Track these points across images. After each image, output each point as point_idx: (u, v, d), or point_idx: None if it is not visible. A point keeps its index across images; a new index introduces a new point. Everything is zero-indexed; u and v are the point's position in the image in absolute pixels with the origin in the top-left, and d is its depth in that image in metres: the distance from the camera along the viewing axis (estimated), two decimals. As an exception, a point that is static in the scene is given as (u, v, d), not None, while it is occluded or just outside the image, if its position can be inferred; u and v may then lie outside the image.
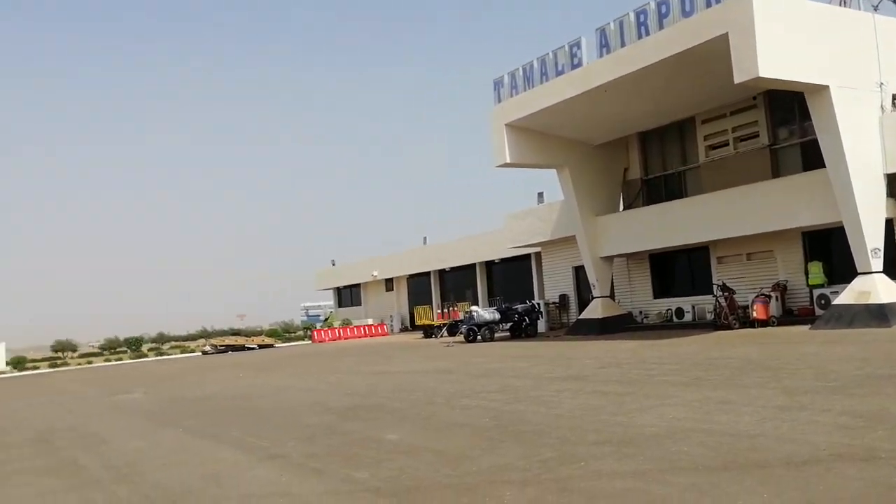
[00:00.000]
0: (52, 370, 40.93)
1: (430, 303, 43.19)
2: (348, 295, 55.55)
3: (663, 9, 18.71)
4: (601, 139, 26.00)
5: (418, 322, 40.55)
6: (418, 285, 46.13)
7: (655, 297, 26.65)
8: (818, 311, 19.62)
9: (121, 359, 45.60)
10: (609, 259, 26.17)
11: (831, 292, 19.38)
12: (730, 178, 22.20)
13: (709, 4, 17.53)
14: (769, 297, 20.75)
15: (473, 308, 29.73)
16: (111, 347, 52.01)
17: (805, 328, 18.16)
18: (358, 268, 51.49)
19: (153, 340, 55.91)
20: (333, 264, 56.43)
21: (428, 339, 33.73)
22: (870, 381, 9.35)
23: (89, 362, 44.73)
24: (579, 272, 29.46)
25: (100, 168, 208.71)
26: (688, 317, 24.35)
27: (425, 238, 46.58)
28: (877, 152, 17.70)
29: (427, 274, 44.44)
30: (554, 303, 31.61)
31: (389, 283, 49.24)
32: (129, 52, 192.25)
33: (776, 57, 16.32)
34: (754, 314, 20.19)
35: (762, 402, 8.52)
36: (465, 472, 6.57)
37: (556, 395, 10.81)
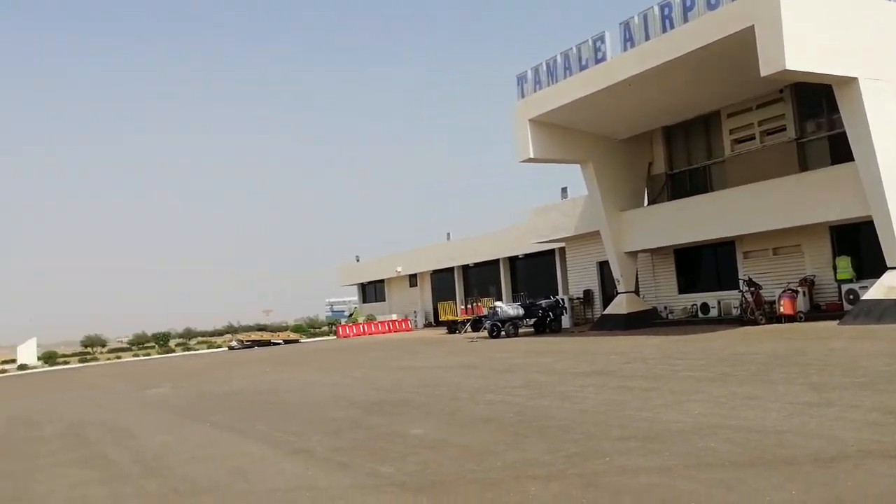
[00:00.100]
0: (81, 365, 41.52)
1: (453, 298, 43.21)
2: (372, 290, 55.77)
3: (688, 2, 18.53)
4: (625, 134, 25.85)
5: (442, 318, 40.59)
6: (442, 281, 46.19)
7: (680, 292, 26.46)
8: (846, 307, 19.37)
9: (149, 354, 46.15)
10: (633, 254, 26.04)
11: (860, 287, 19.13)
12: (756, 172, 21.97)
13: (734, -3, 17.38)
14: (796, 292, 20.53)
15: (497, 303, 29.71)
16: (139, 343, 52.70)
17: (833, 324, 17.93)
18: (382, 263, 51.66)
19: (180, 336, 56.51)
20: (357, 260, 56.68)
21: (452, 335, 33.77)
22: (900, 377, 9.23)
23: (118, 357, 45.38)
24: (604, 267, 29.34)
25: (115, 167, 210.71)
26: (713, 312, 24.16)
27: (448, 234, 46.69)
28: (907, 145, 17.43)
29: (451, 269, 44.48)
30: (578, 298, 31.51)
31: (413, 279, 49.35)
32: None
33: (803, 49, 16.11)
34: (781, 309, 19.99)
35: (789, 397, 8.45)
36: (490, 466, 6.59)
37: (581, 391, 10.79)
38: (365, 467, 7.15)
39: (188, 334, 57.68)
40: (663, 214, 24.76)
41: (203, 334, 59.77)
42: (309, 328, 53.00)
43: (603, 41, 21.19)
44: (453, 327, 35.95)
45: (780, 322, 19.86)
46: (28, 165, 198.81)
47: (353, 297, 61.87)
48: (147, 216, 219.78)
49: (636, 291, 26.51)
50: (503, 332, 27.37)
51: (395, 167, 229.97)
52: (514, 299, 33.63)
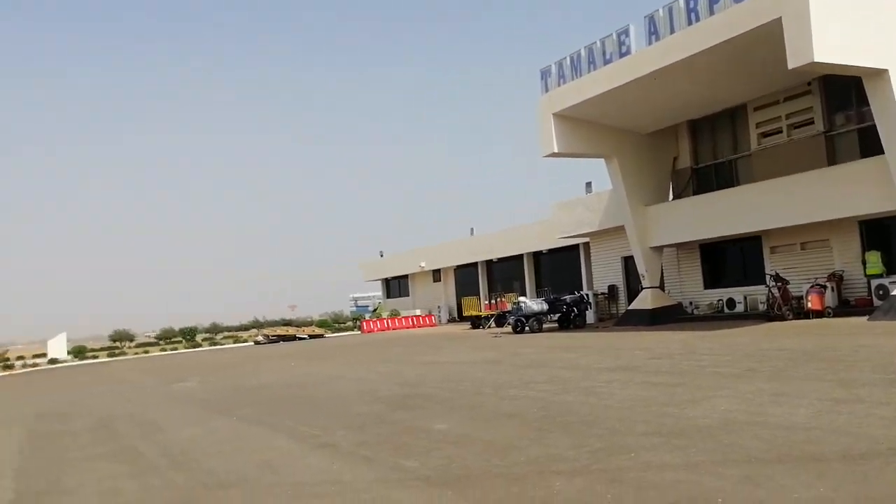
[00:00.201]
0: (110, 359, 42.10)
1: (477, 294, 43.20)
2: (396, 286, 55.92)
3: (714, -6, 18.37)
4: (650, 128, 25.68)
5: (466, 313, 40.61)
6: (466, 276, 46.19)
7: (706, 287, 26.26)
8: (876, 302, 19.11)
9: (176, 348, 46.62)
10: (659, 249, 25.87)
11: (890, 282, 18.87)
12: (783, 166, 21.73)
13: (761, -12, 17.16)
14: (824, 287, 20.29)
15: (521, 299, 29.68)
16: (167, 337, 53.17)
17: (862, 319, 17.71)
18: (405, 259, 51.76)
19: (207, 331, 56.95)
20: (381, 255, 56.85)
21: (475, 330, 33.79)
22: (931, 373, 9.11)
23: (146, 352, 45.90)
24: (628, 262, 29.18)
25: (138, 167, 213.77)
26: (739, 307, 23.95)
27: (472, 229, 46.69)
28: (939, 138, 17.14)
29: (474, 265, 44.47)
30: (603, 293, 31.38)
31: (437, 274, 49.40)
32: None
33: (832, 41, 15.88)
34: (809, 305, 19.77)
35: (818, 394, 8.36)
36: (514, 461, 6.60)
37: (605, 386, 10.76)
38: (389, 461, 7.19)
39: (214, 329, 58.12)
40: (689, 209, 24.56)
41: (229, 329, 60.19)
42: (333, 323, 53.21)
43: (627, 35, 21.05)
44: (477, 323, 35.96)
45: (808, 318, 19.65)
46: (60, 164, 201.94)
47: (377, 292, 62.10)
48: (174, 214, 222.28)
49: (661, 286, 26.35)
50: (527, 328, 27.34)
51: (427, 164, 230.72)
52: (539, 294, 33.55)
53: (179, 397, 16.36)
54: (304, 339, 44.64)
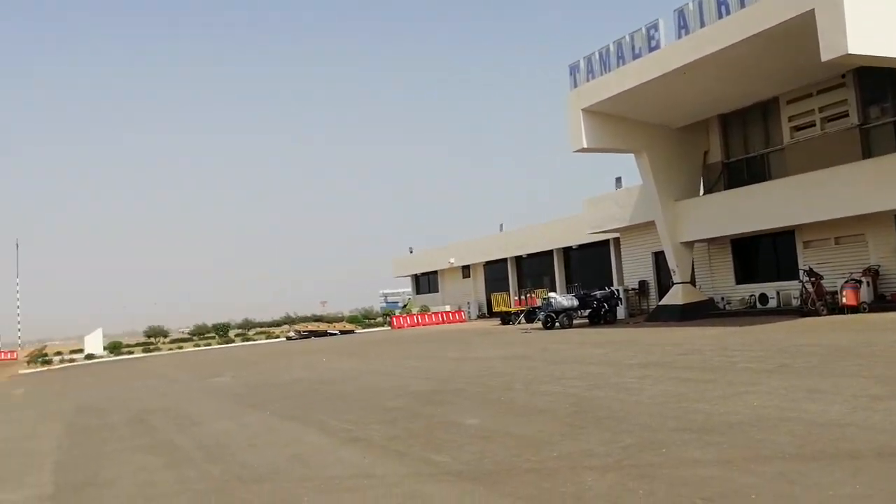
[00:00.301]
0: (145, 355, 42.74)
1: (507, 289, 43.18)
2: (426, 282, 56.07)
3: (745, -14, 18.16)
4: (680, 122, 25.46)
5: (495, 309, 40.61)
6: (495, 272, 46.17)
7: (738, 282, 26.00)
8: (913, 297, 18.81)
9: (209, 344, 47.22)
10: (689, 244, 25.66)
11: (928, 277, 18.54)
12: (816, 159, 21.43)
13: (794, -21, 16.92)
14: (860, 282, 19.99)
15: (551, 294, 29.59)
16: (200, 333, 53.91)
17: (899, 315, 17.44)
18: (435, 255, 51.87)
19: (240, 326, 57.61)
20: (411, 252, 57.02)
21: (505, 326, 33.78)
22: (969, 369, 8.95)
23: (180, 347, 46.55)
24: (659, 258, 28.98)
25: (167, 167, 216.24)
26: (772, 303, 23.68)
27: (501, 225, 46.66)
28: (978, 129, 16.80)
29: (504, 260, 44.43)
30: (633, 289, 31.20)
31: (466, 270, 49.43)
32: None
33: (866, 32, 15.60)
34: (844, 300, 19.50)
35: (853, 390, 8.26)
36: (546, 457, 6.61)
37: (637, 382, 10.72)
38: (421, 456, 7.24)
39: (247, 325, 58.77)
40: (720, 204, 24.32)
41: (261, 325, 60.83)
42: (364, 319, 53.52)
43: (656, 29, 20.90)
44: (507, 318, 35.95)
45: (843, 313, 19.37)
46: (97, 163, 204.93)
47: (407, 288, 62.32)
48: (207, 212, 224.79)
49: (692, 282, 26.14)
50: (557, 324, 27.28)
51: (457, 161, 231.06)
52: (569, 290, 33.45)
53: (213, 392, 16.58)
54: (334, 334, 44.95)
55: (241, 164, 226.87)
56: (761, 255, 25.72)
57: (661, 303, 26.79)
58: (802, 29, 16.36)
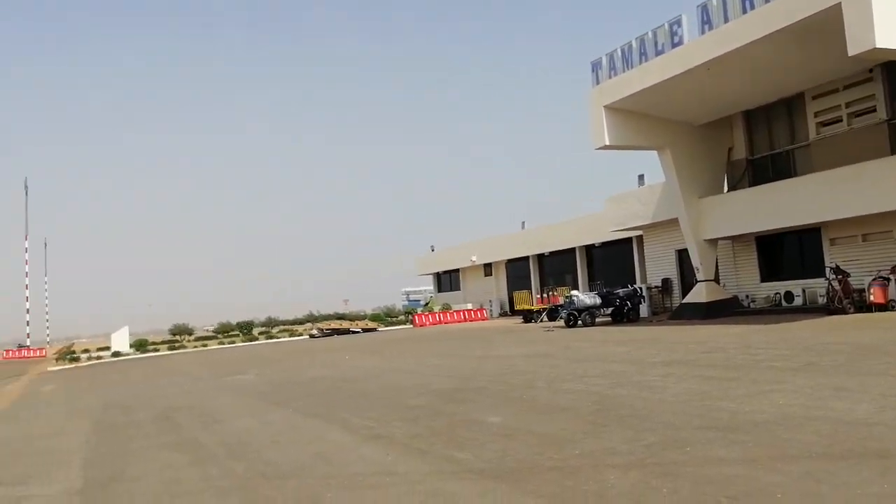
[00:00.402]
0: (170, 352, 43.17)
1: (529, 287, 43.09)
2: (447, 280, 56.10)
3: (770, -20, 17.96)
4: (704, 119, 25.25)
5: (517, 307, 40.54)
6: (517, 270, 46.08)
7: (763, 280, 25.74)
8: (943, 295, 18.52)
9: (233, 342, 47.55)
10: (713, 242, 25.45)
11: (958, 274, 18.24)
12: (843, 155, 21.15)
13: (820, -27, 16.71)
14: (888, 279, 19.72)
15: (574, 292, 29.50)
16: (224, 331, 54.30)
17: (928, 312, 17.18)
18: (456, 253, 51.86)
19: (263, 324, 57.95)
20: (433, 250, 57.06)
21: (527, 324, 33.71)
22: None
23: (204, 345, 46.97)
24: (682, 255, 28.78)
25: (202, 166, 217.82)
26: (798, 301, 23.42)
27: (523, 222, 46.55)
28: None
29: (526, 259, 44.34)
30: (656, 287, 31.00)
31: (488, 268, 49.38)
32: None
33: (894, 26, 15.38)
34: (871, 298, 19.25)
35: (881, 389, 8.15)
36: (569, 455, 6.59)
37: (660, 380, 10.65)
38: (443, 454, 7.24)
39: (270, 323, 59.10)
40: (744, 201, 24.10)
41: (284, 323, 61.14)
42: (386, 317, 53.65)
43: (679, 25, 20.75)
44: (529, 317, 35.88)
45: (870, 311, 19.14)
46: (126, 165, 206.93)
47: (429, 286, 62.39)
48: (229, 212, 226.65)
49: (716, 280, 25.92)
50: (580, 322, 27.18)
51: (479, 158, 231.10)
52: (591, 288, 33.35)
53: (237, 389, 16.71)
54: (357, 332, 45.11)
55: (272, 165, 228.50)
56: (787, 252, 25.45)
57: (684, 301, 26.60)
58: (828, 23, 16.15)
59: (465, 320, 44.72)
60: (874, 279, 19.67)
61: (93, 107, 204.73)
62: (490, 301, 47.38)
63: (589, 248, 39.10)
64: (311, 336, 46.06)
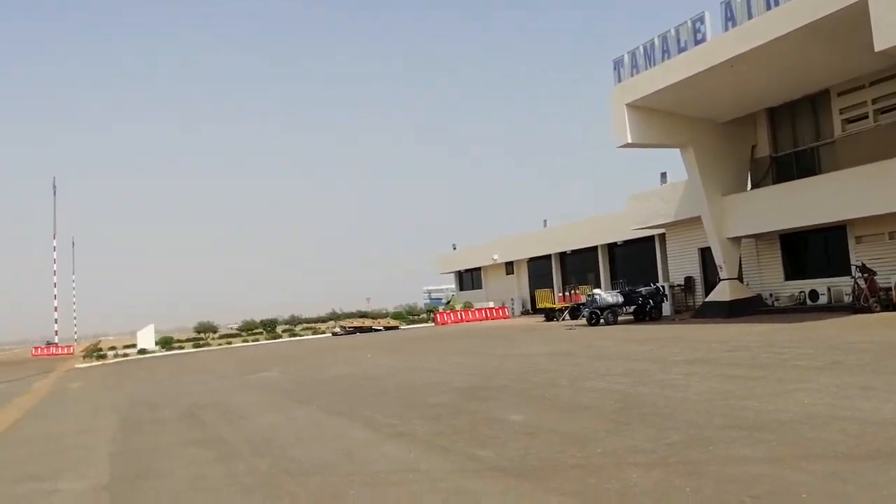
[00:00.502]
0: (195, 350, 43.57)
1: (550, 286, 42.99)
2: (469, 278, 56.11)
3: (795, -24, 17.79)
4: (727, 116, 25.06)
5: (539, 305, 40.46)
6: (539, 268, 46.00)
7: (787, 278, 25.52)
8: (972, 293, 18.25)
9: (257, 339, 47.89)
10: (736, 240, 25.25)
11: None
12: (869, 152, 20.91)
13: (845, -32, 16.52)
14: (915, 278, 19.48)
15: (596, 291, 29.41)
16: (248, 329, 54.68)
17: (957, 311, 16.94)
18: (478, 251, 51.86)
19: (286, 322, 58.30)
20: (454, 248, 57.09)
21: (549, 323, 33.65)
22: None
23: (228, 343, 47.36)
24: (705, 254, 28.59)
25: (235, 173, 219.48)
26: (823, 299, 23.19)
27: (545, 221, 46.44)
28: None
29: (548, 257, 44.25)
30: (679, 285, 30.83)
31: (510, 267, 49.34)
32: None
33: (922, 21, 15.19)
34: (898, 296, 19.03)
35: (907, 388, 8.07)
36: (591, 453, 6.59)
37: (683, 379, 10.60)
38: (465, 452, 7.26)
39: (293, 321, 59.44)
40: (768, 198, 23.89)
41: (307, 321, 61.46)
42: (408, 315, 53.77)
43: (702, 22, 20.62)
44: (551, 315, 35.81)
45: (898, 310, 18.91)
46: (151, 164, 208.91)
47: (451, 284, 62.43)
48: (255, 212, 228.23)
49: (739, 278, 25.73)
50: (602, 320, 27.10)
51: (501, 158, 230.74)
52: (613, 286, 33.21)
53: (261, 387, 16.82)
54: (379, 330, 45.27)
55: (310, 166, 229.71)
56: (811, 250, 25.21)
57: (707, 299, 26.43)
58: (854, 18, 15.98)
59: (487, 318, 44.72)
60: (901, 277, 19.45)
61: (125, 102, 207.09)
62: (512, 299, 47.34)
63: (611, 247, 38.97)
64: (334, 334, 46.30)
